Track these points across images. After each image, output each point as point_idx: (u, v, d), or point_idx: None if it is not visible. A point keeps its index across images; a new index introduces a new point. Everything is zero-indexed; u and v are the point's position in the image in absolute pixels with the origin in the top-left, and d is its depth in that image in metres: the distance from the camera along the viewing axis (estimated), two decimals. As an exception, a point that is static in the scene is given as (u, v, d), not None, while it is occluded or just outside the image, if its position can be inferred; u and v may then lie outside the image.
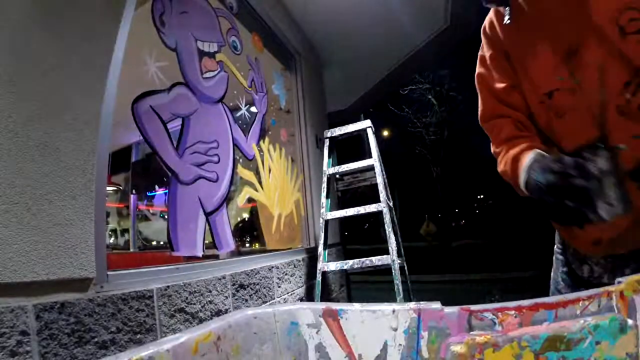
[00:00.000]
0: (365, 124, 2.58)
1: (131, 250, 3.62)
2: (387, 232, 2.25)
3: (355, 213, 2.44)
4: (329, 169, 2.58)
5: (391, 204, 2.55)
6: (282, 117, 2.88)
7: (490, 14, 1.00)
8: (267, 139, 2.47)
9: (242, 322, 1.22)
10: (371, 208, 2.38)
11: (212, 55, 1.91)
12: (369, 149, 2.54)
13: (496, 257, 11.10)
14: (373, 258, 2.29)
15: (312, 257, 2.74)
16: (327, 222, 2.49)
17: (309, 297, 2.53)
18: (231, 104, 2.07)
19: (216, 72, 1.93)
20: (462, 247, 16.06)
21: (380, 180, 2.40)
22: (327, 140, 2.65)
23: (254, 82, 2.37)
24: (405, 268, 2.53)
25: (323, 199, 2.50)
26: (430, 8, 3.31)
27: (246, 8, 2.41)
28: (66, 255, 0.96)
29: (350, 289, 3.19)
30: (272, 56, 2.85)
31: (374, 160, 2.47)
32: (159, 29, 1.57)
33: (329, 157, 2.63)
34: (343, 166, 2.59)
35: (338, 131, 2.65)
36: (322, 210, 2.48)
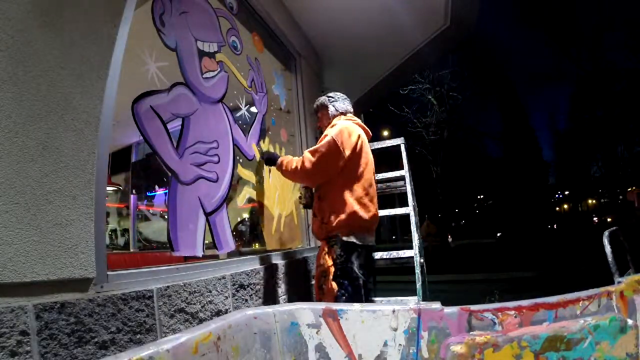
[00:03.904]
0: (399, 140, 2.91)
1: (131, 250, 3.62)
2: (412, 231, 2.59)
3: (387, 214, 2.76)
4: None
5: (417, 209, 2.85)
6: (282, 117, 2.88)
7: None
8: (267, 139, 2.47)
9: (242, 322, 1.22)
10: (400, 210, 2.72)
11: (212, 55, 1.91)
12: (401, 161, 2.87)
13: (496, 257, 11.09)
14: (399, 251, 2.63)
15: (311, 257, 2.74)
16: None
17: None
18: (231, 104, 2.07)
19: (216, 72, 1.93)
20: (462, 247, 16.08)
21: (409, 188, 2.74)
22: None
23: (254, 82, 2.37)
24: (425, 266, 2.66)
25: None
26: (430, 8, 3.30)
27: (246, 8, 2.41)
28: (66, 255, 0.96)
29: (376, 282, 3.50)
30: (272, 56, 2.85)
31: (405, 171, 2.80)
32: (159, 29, 1.57)
33: None
34: (378, 175, 2.95)
35: (376, 145, 3.00)
36: None
